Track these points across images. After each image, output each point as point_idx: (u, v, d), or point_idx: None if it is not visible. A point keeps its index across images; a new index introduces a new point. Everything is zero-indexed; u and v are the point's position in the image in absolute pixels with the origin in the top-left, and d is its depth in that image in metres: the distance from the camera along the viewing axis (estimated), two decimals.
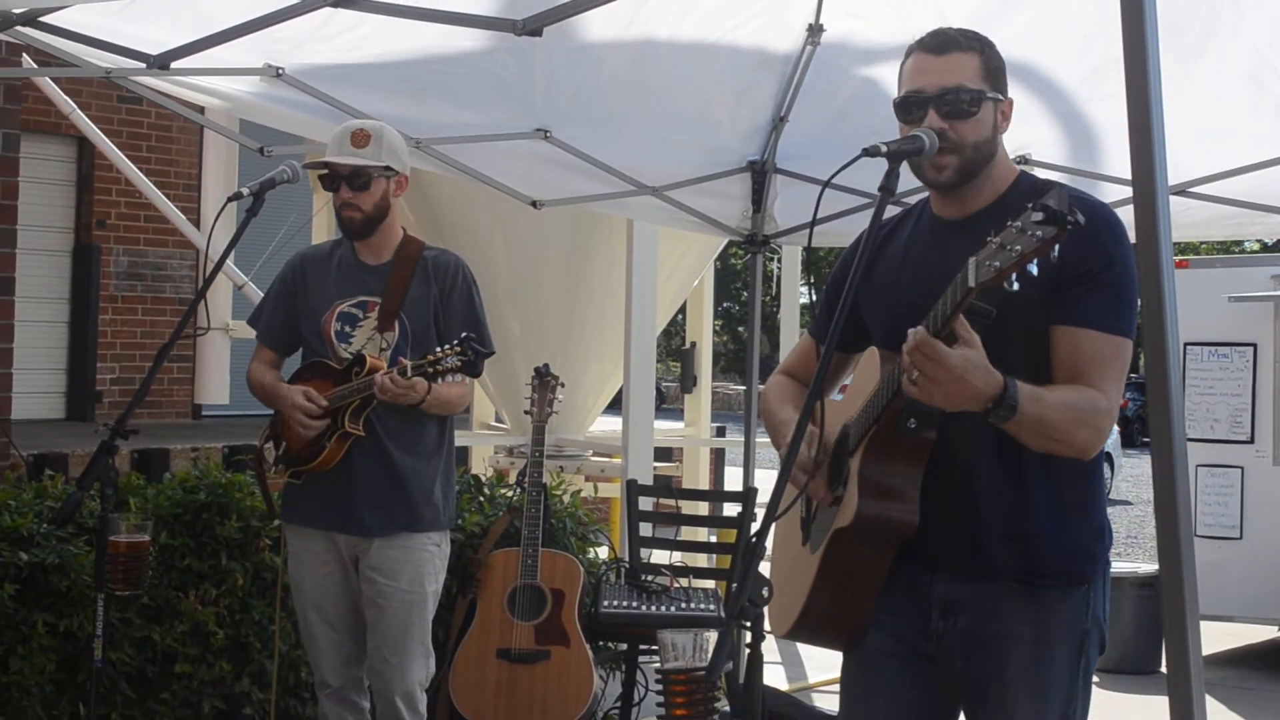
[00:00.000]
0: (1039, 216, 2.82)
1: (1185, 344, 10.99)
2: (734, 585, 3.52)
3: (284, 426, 5.40)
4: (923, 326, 3.12)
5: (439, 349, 5.06)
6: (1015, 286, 2.91)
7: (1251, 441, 10.79)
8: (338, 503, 5.29)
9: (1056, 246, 2.84)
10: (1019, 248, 2.85)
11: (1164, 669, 3.01)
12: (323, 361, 5.36)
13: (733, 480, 8.79)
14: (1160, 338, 2.86)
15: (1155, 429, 2.90)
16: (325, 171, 5.32)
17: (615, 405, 10.61)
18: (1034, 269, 2.87)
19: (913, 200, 3.85)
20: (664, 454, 13.09)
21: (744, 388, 7.96)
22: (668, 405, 27.24)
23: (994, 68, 3.54)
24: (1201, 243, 12.15)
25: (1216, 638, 11.27)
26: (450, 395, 5.32)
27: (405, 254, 5.42)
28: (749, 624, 3.25)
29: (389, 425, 5.28)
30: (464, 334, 5.08)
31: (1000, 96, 3.54)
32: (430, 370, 5.04)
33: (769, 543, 3.42)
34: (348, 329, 5.37)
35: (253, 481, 6.28)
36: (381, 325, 5.33)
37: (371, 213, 5.33)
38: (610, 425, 12.02)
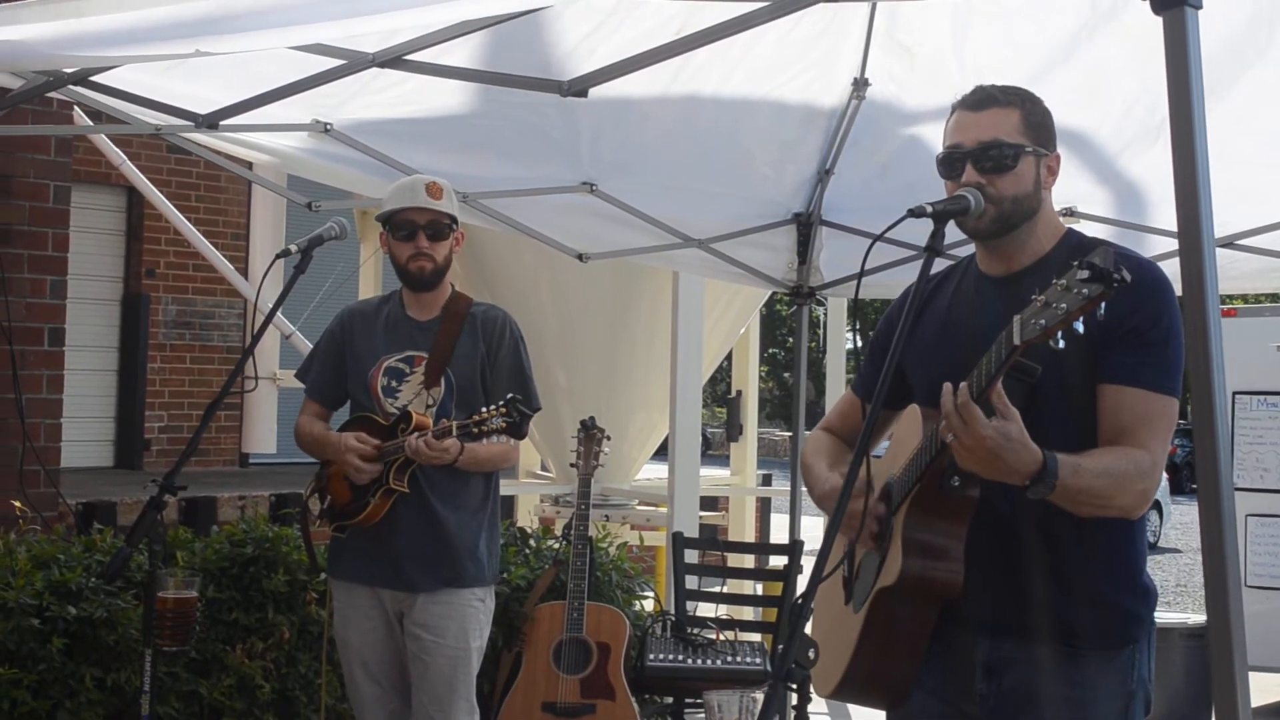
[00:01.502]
0: (1085, 274, 2.83)
1: (1234, 393, 10.93)
2: (779, 643, 3.51)
3: (329, 480, 5.42)
4: (965, 385, 3.13)
5: (484, 409, 5.08)
6: (1061, 345, 2.91)
7: None
8: (382, 558, 5.30)
9: (1102, 305, 2.84)
10: (1064, 305, 2.86)
11: None
12: (369, 416, 5.38)
13: (779, 527, 8.79)
14: (1207, 387, 2.85)
15: (1203, 479, 2.88)
16: (393, 222, 5.36)
17: (661, 453, 10.61)
18: (1080, 327, 2.88)
19: (960, 252, 3.85)
20: (710, 503, 13.06)
21: (789, 433, 7.96)
22: (713, 452, 27.24)
23: (1036, 123, 3.55)
24: (1232, 296, 12.08)
25: (1266, 688, 11.16)
26: (490, 454, 5.33)
27: (453, 310, 5.45)
28: (795, 685, 3.24)
29: (434, 480, 5.28)
30: (510, 395, 5.09)
31: (1044, 151, 3.54)
32: (475, 430, 5.06)
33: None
34: (394, 384, 5.39)
35: (299, 535, 6.29)
36: (428, 381, 5.35)
37: (442, 265, 5.39)
38: (656, 473, 12.01)
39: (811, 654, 3.19)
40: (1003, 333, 3.02)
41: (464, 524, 5.35)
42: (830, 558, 3.33)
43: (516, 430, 5.10)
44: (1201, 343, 2.85)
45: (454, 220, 5.41)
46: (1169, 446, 3.42)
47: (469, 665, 5.38)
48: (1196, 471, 2.92)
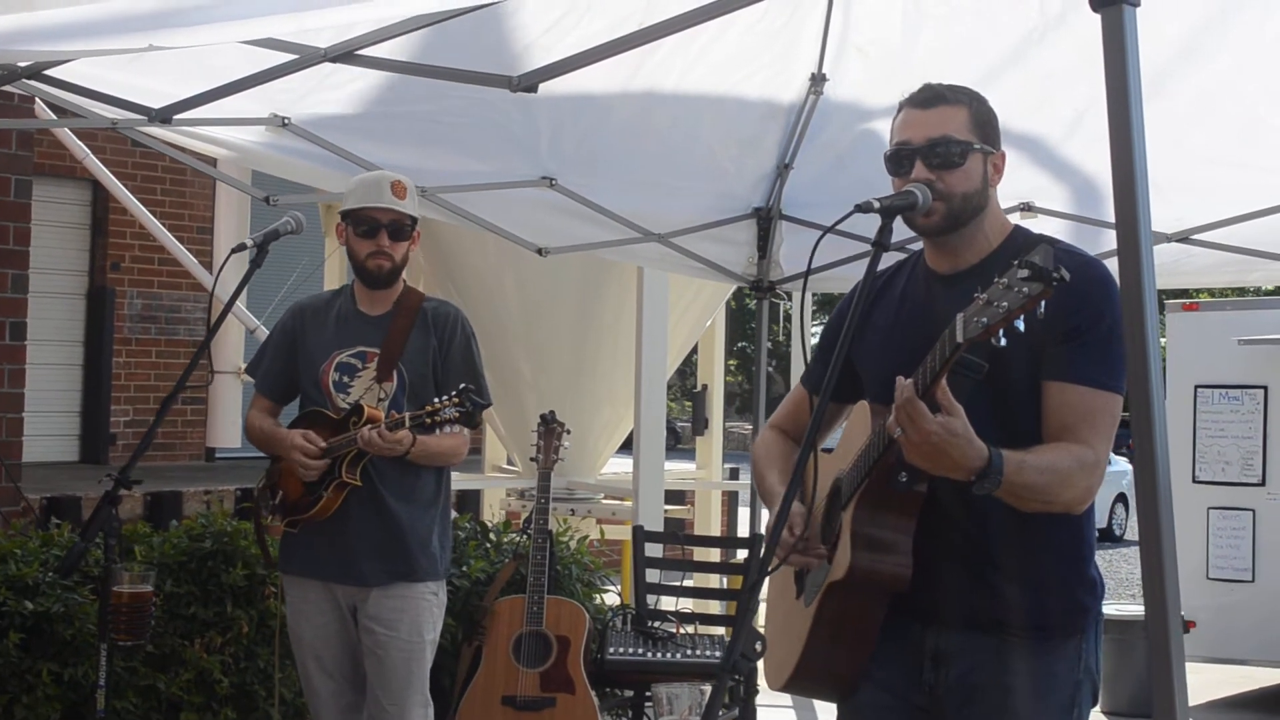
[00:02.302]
0: (1025, 274, 2.85)
1: (1196, 386, 11.00)
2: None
3: (281, 475, 5.42)
4: (911, 381, 3.15)
5: (437, 400, 5.09)
6: (1003, 343, 2.93)
7: (1263, 484, 10.76)
8: (334, 553, 5.30)
9: (1043, 303, 2.87)
10: (1005, 304, 2.88)
11: None
12: (320, 411, 5.38)
13: (746, 522, 8.84)
14: (1144, 381, 2.86)
15: (1140, 473, 2.89)
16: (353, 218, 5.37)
17: (627, 447, 10.62)
18: (1020, 325, 2.90)
19: (915, 247, 3.87)
20: (677, 496, 13.08)
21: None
22: (682, 445, 27.21)
23: (983, 121, 3.57)
24: (1199, 290, 12.15)
25: (1229, 680, 11.25)
26: (441, 448, 5.34)
27: (405, 305, 5.45)
28: (741, 678, 3.25)
29: (385, 475, 5.29)
30: (462, 385, 5.11)
31: (991, 149, 3.57)
32: (428, 421, 5.07)
33: (763, 595, 3.44)
34: (346, 379, 5.40)
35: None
36: (380, 375, 5.35)
37: (400, 264, 5.40)
38: (623, 466, 12.02)
39: (759, 646, 3.21)
40: (946, 331, 3.04)
41: (416, 518, 5.36)
42: (773, 557, 3.35)
43: (469, 420, 5.11)
44: (1139, 337, 2.86)
45: (415, 221, 5.43)
46: (1112, 442, 3.44)
47: (423, 659, 5.39)
48: (1135, 466, 2.94)
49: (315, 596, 5.38)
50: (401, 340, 5.38)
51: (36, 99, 6.85)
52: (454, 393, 5.07)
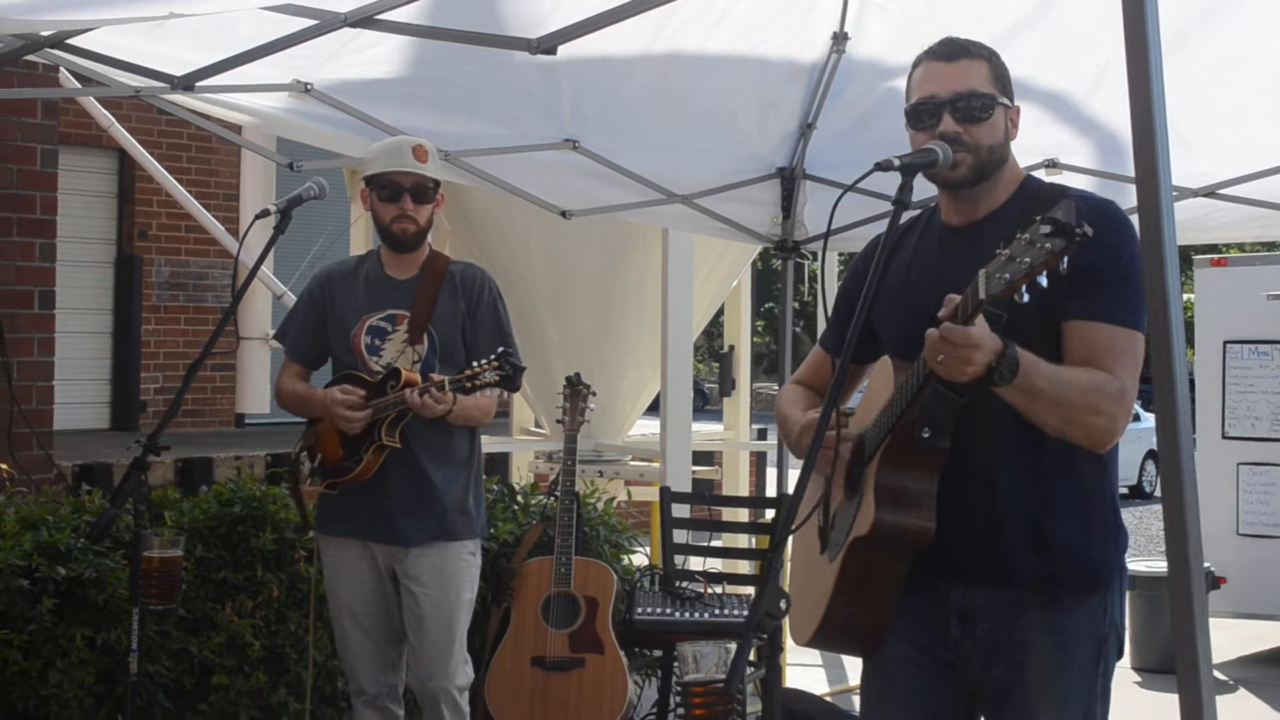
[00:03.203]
0: (1047, 229, 2.85)
1: (1225, 341, 10.97)
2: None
3: (320, 438, 5.47)
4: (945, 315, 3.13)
5: (477, 363, 5.15)
6: (1025, 298, 2.93)
7: None
8: (373, 513, 5.37)
9: (1065, 258, 2.87)
10: (1028, 260, 2.88)
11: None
12: (355, 374, 5.43)
13: (774, 482, 8.84)
14: (1165, 335, 2.87)
15: (1162, 426, 2.90)
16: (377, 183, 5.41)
17: (655, 408, 10.63)
18: (1044, 280, 2.90)
19: (933, 204, 3.88)
20: (705, 458, 13.07)
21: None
22: (710, 407, 27.21)
23: (1001, 75, 3.59)
24: (1227, 246, 12.09)
25: (1259, 635, 11.24)
26: (476, 409, 5.39)
27: (432, 268, 5.50)
28: (766, 635, 3.27)
29: (421, 436, 5.35)
30: (500, 349, 5.16)
31: (1009, 103, 3.58)
32: (468, 385, 5.12)
33: (788, 552, 3.46)
34: (377, 342, 5.45)
35: (288, 494, 6.34)
36: (411, 338, 5.41)
37: (424, 227, 5.46)
38: (650, 428, 12.03)
39: (783, 604, 3.22)
40: (968, 287, 3.04)
41: (451, 479, 5.43)
42: (801, 509, 3.36)
43: (510, 383, 5.16)
44: (1160, 292, 2.86)
45: (437, 184, 5.47)
46: (1138, 376, 3.42)
47: (462, 618, 5.47)
48: (1156, 421, 2.95)
49: (353, 556, 5.45)
50: (430, 303, 5.43)
51: (61, 68, 6.85)
52: (493, 357, 5.13)
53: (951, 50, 3.58)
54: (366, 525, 5.40)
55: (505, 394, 5.37)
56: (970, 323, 3.09)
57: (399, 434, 5.30)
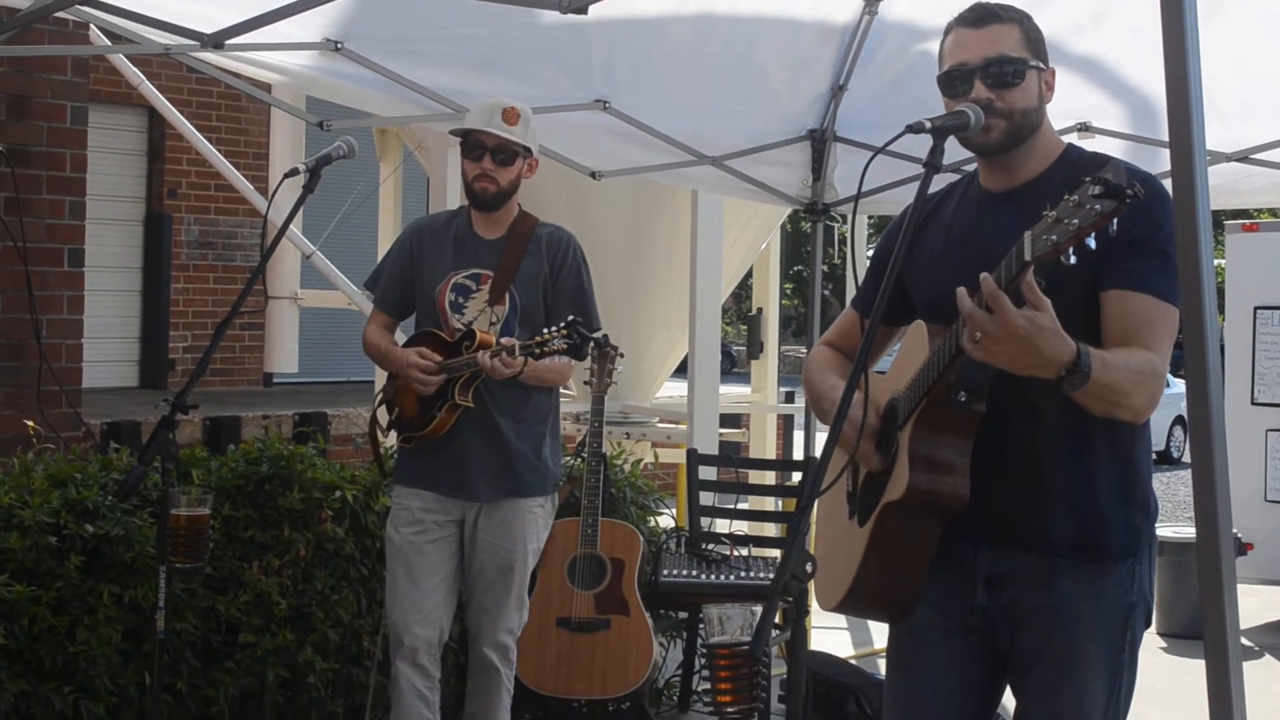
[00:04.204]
0: (1098, 190, 2.81)
1: (1255, 308, 10.93)
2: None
3: (399, 393, 5.60)
4: (990, 277, 3.07)
5: (545, 330, 5.23)
6: (1073, 260, 2.88)
7: None
8: (448, 468, 5.52)
9: (1114, 220, 2.83)
10: (1076, 221, 2.84)
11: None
12: (433, 332, 5.55)
13: (801, 445, 8.81)
14: (1198, 298, 2.84)
15: (1192, 392, 2.88)
16: (464, 140, 5.47)
17: (683, 370, 10.63)
18: (1092, 243, 2.85)
19: (968, 169, 3.85)
20: (733, 420, 13.08)
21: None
22: (738, 369, 27.20)
23: (1033, 38, 3.55)
24: (1260, 211, 12.05)
25: None
26: (549, 371, 5.48)
27: (519, 229, 5.59)
28: (792, 599, 3.25)
29: (496, 395, 5.47)
30: (570, 318, 5.23)
31: (1042, 66, 3.54)
32: (537, 352, 5.20)
33: (813, 517, 3.44)
34: (461, 300, 5.55)
35: (315, 454, 6.40)
36: (492, 299, 5.51)
37: (505, 188, 5.52)
38: (678, 390, 12.04)
39: (809, 568, 3.20)
40: (1013, 248, 3.00)
41: (525, 435, 5.56)
42: (829, 470, 3.34)
43: (577, 352, 5.24)
44: (1192, 256, 2.83)
45: (527, 150, 5.52)
46: (1170, 354, 3.40)
47: (524, 565, 5.62)
48: (1187, 388, 2.92)
49: (424, 506, 5.57)
50: (514, 265, 5.52)
51: (91, 25, 6.85)
52: (563, 324, 5.20)
53: (981, 15, 3.55)
54: (441, 480, 5.55)
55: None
56: (1016, 285, 3.04)
57: (472, 393, 5.42)
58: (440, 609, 5.57)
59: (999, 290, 3.04)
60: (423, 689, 5.55)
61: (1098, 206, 2.81)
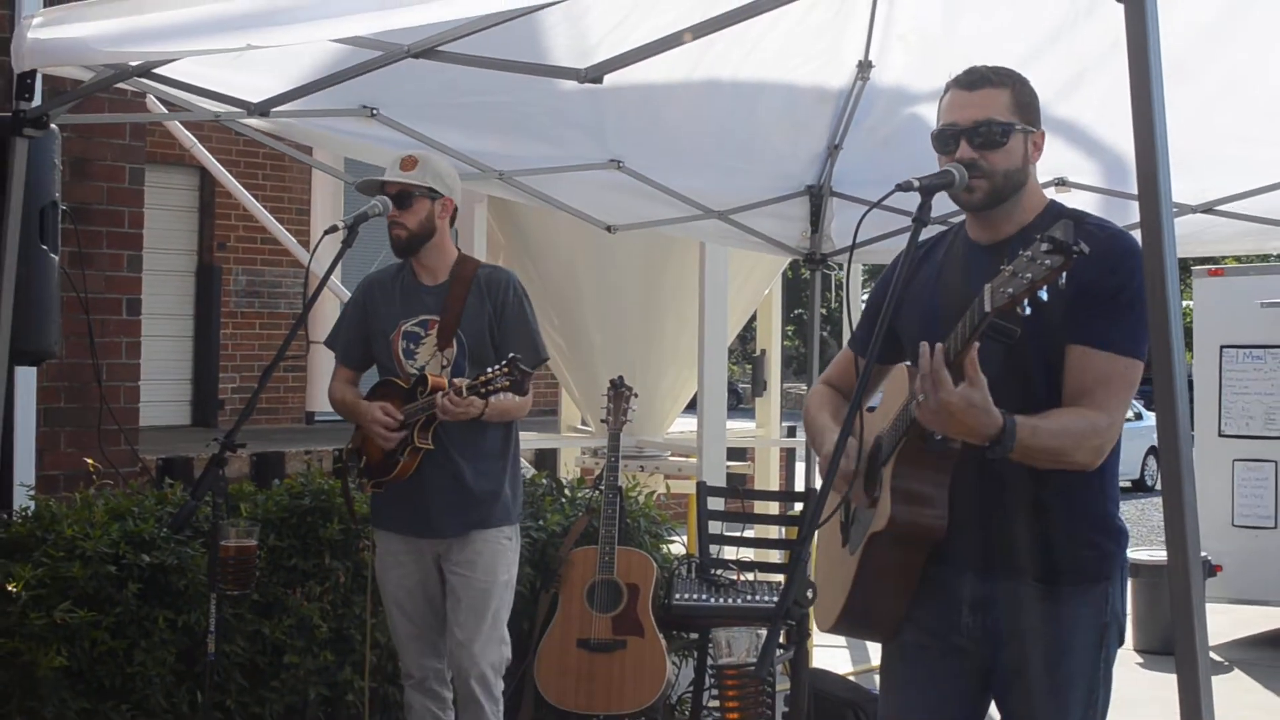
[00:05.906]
0: (1046, 246, 2.87)
1: (1221, 346, 10.94)
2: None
3: (365, 441, 5.50)
4: (941, 348, 3.14)
5: (488, 370, 5.12)
6: (1028, 311, 2.94)
7: None
8: (415, 509, 5.39)
9: (1063, 274, 2.87)
10: (1029, 275, 2.89)
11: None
12: (392, 380, 5.45)
13: (802, 476, 8.80)
14: (1166, 344, 2.85)
15: (1163, 425, 2.89)
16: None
17: (693, 407, 10.64)
18: (1044, 295, 2.91)
19: (955, 220, 3.86)
20: (739, 454, 13.07)
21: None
22: (744, 405, 27.17)
23: (1024, 102, 3.55)
24: (1224, 257, 12.09)
25: (1253, 620, 11.20)
26: (510, 405, 5.35)
27: (460, 273, 5.49)
28: (794, 622, 3.26)
29: (454, 436, 5.34)
30: (510, 355, 5.13)
31: (1031, 128, 3.55)
32: (482, 391, 5.11)
33: (814, 545, 3.45)
34: (412, 346, 5.45)
35: (354, 487, 6.39)
36: (441, 343, 5.40)
37: (416, 231, 5.39)
38: (688, 426, 12.04)
39: (810, 594, 3.21)
40: (976, 300, 3.04)
41: (484, 472, 5.42)
42: (825, 506, 3.36)
43: (519, 388, 5.15)
44: (1161, 300, 2.84)
45: (431, 190, 5.38)
46: (1127, 407, 3.43)
47: (498, 597, 5.45)
48: (1157, 420, 2.94)
49: (400, 549, 5.47)
50: (458, 308, 5.41)
51: (148, 94, 6.89)
52: (503, 363, 5.09)
53: (973, 80, 3.56)
54: (409, 521, 5.43)
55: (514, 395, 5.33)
56: (972, 342, 3.09)
57: (431, 435, 5.30)
58: (440, 639, 5.51)
59: (942, 366, 3.14)
60: (436, 710, 5.53)
61: (1047, 261, 2.86)
